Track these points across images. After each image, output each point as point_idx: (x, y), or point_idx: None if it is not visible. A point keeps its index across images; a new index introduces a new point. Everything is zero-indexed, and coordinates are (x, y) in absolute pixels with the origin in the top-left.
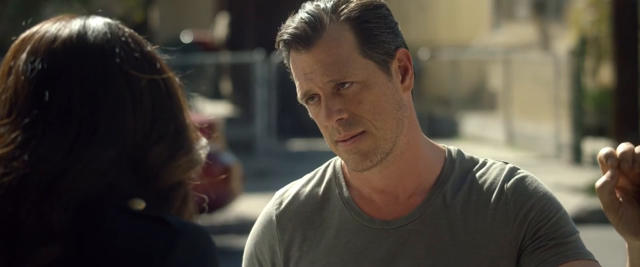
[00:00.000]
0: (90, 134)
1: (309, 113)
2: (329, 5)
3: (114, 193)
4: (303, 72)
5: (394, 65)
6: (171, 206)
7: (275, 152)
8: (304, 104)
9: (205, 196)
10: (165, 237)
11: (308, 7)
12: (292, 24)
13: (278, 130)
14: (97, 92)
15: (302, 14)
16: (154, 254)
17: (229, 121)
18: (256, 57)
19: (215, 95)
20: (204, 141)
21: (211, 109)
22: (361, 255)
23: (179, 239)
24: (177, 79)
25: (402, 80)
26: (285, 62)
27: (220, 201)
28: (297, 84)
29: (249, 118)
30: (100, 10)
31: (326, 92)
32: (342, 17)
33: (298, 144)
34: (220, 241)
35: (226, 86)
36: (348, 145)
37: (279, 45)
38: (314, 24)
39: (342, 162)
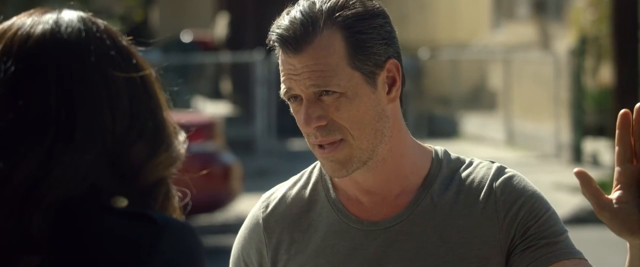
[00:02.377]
0: (67, 138)
1: (291, 110)
2: (324, 7)
3: (96, 194)
4: (288, 73)
5: (382, 76)
6: (154, 203)
7: (275, 152)
8: (286, 101)
9: (187, 191)
10: (150, 233)
11: (303, 5)
12: (284, 22)
13: (278, 130)
14: (73, 93)
15: (296, 14)
16: (139, 252)
17: (229, 121)
18: (256, 56)
19: (215, 95)
20: (182, 136)
21: (211, 109)
22: (349, 257)
23: (164, 235)
24: (153, 74)
25: (389, 92)
26: (276, 54)
27: (220, 201)
28: (282, 80)
29: (249, 118)
30: (72, 3)
31: (308, 97)
32: (336, 25)
33: (298, 144)
34: (220, 240)
35: (226, 86)
36: (325, 152)
37: (269, 42)
38: (307, 27)
39: None
